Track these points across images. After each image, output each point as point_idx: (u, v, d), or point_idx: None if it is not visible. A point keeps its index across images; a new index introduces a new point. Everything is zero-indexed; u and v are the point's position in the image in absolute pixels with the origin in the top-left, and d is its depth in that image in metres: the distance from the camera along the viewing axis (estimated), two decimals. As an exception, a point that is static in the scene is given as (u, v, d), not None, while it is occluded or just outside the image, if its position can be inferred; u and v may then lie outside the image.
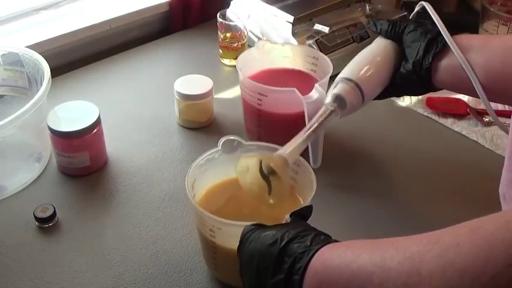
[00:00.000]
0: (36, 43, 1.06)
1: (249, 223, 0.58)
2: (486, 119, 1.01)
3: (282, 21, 1.10)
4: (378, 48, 0.81)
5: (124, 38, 1.22)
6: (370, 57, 0.80)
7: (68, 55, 1.14)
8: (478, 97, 0.72)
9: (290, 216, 0.59)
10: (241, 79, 0.89)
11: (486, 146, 0.96)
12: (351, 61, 0.81)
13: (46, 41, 1.08)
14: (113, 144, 0.92)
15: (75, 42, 1.14)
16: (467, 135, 0.98)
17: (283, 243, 0.53)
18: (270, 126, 0.90)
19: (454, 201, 0.86)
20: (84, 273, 0.72)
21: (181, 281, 0.72)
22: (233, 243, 0.59)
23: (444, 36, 0.74)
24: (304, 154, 0.82)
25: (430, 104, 1.04)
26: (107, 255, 0.75)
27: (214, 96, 0.99)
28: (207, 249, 0.70)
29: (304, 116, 0.80)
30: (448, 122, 1.01)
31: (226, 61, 1.16)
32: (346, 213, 0.83)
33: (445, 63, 0.74)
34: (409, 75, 0.78)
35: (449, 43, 0.73)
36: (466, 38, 0.74)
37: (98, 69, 1.13)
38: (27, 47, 0.93)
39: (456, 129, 1.00)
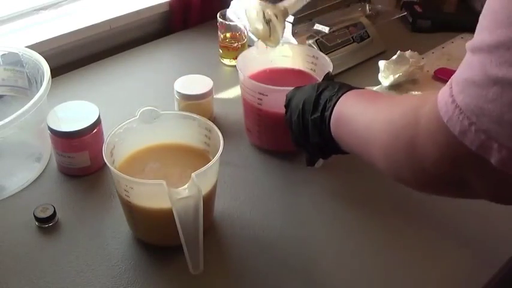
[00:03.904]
0: (36, 43, 1.06)
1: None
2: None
3: (282, 21, 1.10)
4: None
5: (124, 38, 1.22)
6: None
7: (68, 55, 1.14)
8: None
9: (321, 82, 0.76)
10: (242, 79, 0.89)
11: (486, 146, 0.96)
12: None
13: (46, 41, 1.08)
14: (113, 144, 0.92)
15: (75, 42, 1.14)
16: (468, 135, 0.98)
17: (320, 90, 0.72)
18: (270, 125, 0.89)
19: (454, 199, 0.85)
20: (84, 273, 0.72)
21: (181, 280, 0.72)
22: (146, 202, 0.67)
23: None
24: (304, 154, 0.82)
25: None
26: (107, 255, 0.75)
27: (214, 96, 0.99)
28: (125, 210, 0.75)
29: (304, 115, 0.80)
30: (448, 121, 1.01)
31: (226, 61, 1.16)
32: (346, 213, 0.82)
33: None
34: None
35: None
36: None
37: (98, 69, 1.13)
38: (27, 47, 0.93)
39: (456, 129, 0.99)
